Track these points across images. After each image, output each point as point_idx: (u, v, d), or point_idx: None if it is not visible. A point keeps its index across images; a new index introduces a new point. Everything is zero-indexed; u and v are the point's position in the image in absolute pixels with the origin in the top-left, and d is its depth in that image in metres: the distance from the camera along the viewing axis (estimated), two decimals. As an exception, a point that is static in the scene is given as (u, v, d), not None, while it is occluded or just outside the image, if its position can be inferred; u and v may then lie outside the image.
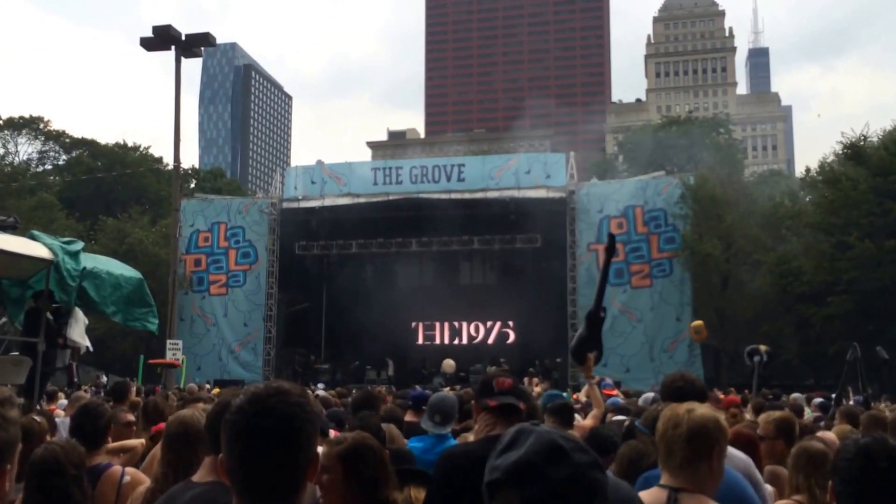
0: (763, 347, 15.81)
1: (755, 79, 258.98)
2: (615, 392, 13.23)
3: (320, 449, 3.80)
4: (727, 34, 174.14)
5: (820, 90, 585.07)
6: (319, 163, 43.97)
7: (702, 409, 3.60)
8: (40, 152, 71.05)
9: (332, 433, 5.65)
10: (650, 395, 9.58)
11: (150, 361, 32.51)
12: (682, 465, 3.50)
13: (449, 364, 36.81)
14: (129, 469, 5.07)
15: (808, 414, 14.17)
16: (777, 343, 36.43)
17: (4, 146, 68.12)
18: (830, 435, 7.74)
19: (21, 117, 68.94)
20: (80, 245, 12.48)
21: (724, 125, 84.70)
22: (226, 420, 2.32)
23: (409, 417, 8.00)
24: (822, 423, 10.75)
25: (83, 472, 4.62)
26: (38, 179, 60.94)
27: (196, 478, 3.55)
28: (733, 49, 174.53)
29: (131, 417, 7.24)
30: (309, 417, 2.35)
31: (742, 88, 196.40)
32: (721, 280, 38.23)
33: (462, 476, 4.01)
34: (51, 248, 11.57)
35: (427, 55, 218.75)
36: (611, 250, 10.80)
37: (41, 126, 69.71)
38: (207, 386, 27.26)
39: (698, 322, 17.12)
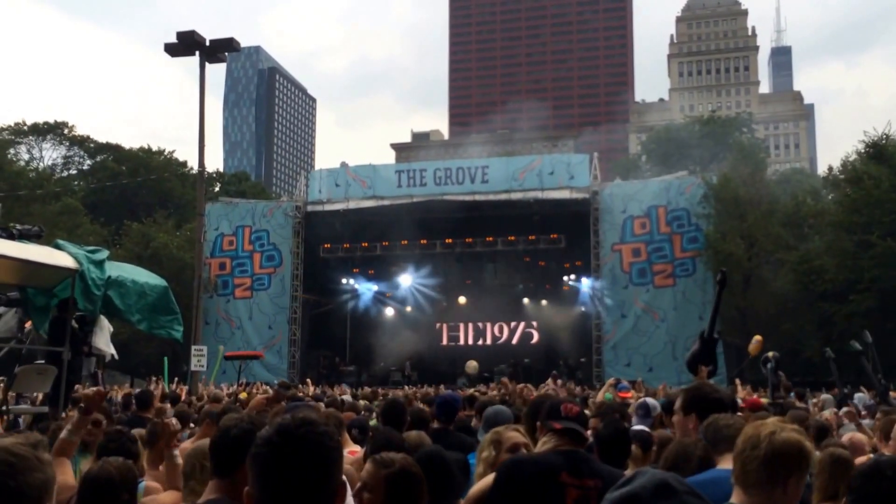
0: (771, 354, 15.89)
1: (778, 77, 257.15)
2: (630, 395, 13.17)
3: (368, 467, 3.86)
4: (750, 33, 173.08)
5: (844, 86, 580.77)
6: (343, 165, 44.18)
7: (786, 433, 3.41)
8: (65, 157, 71.65)
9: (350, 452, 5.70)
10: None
11: (228, 355, 32.80)
12: (755, 486, 3.36)
13: (472, 365, 36.93)
14: (147, 499, 5.13)
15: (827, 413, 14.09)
16: (799, 341, 36.29)
17: (29, 151, 68.80)
18: (848, 437, 7.73)
19: (45, 123, 69.48)
20: (105, 254, 12.55)
21: (746, 124, 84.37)
22: (255, 454, 2.37)
23: (434, 425, 7.82)
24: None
25: (135, 495, 4.68)
26: (62, 185, 61.26)
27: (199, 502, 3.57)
28: (756, 48, 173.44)
29: (177, 427, 7.30)
30: (336, 445, 2.40)
31: (765, 87, 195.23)
32: (743, 279, 38.07)
33: (526, 482, 4.27)
34: (75, 258, 11.63)
35: (451, 56, 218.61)
36: (723, 283, 11.35)
37: (65, 131, 70.21)
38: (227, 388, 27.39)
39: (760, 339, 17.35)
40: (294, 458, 2.30)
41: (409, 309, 44.41)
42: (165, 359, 29.12)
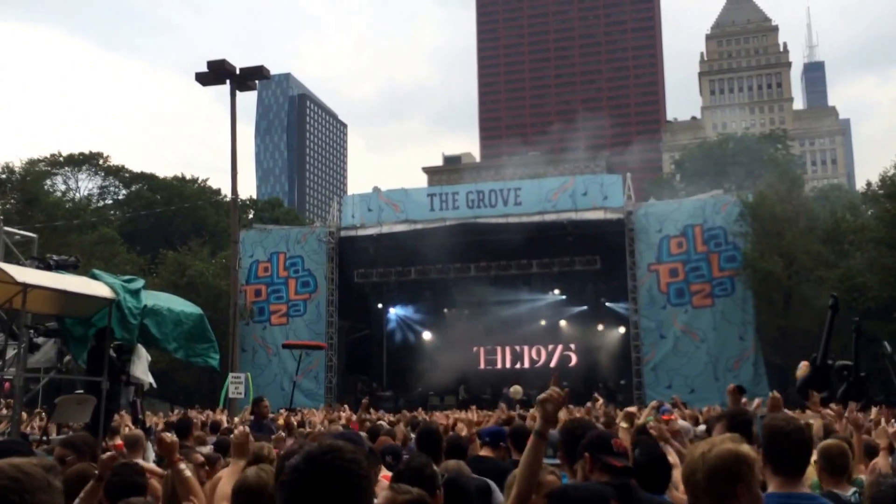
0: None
1: (811, 93, 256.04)
2: (674, 417, 12.90)
3: (385, 493, 3.83)
4: (781, 49, 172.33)
5: (879, 100, 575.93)
6: (376, 190, 44.15)
7: (719, 447, 3.42)
8: (100, 187, 72.06)
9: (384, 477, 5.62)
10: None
11: (285, 344, 32.75)
12: None
13: (516, 390, 36.58)
14: None
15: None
16: (844, 360, 35.70)
17: (66, 182, 69.24)
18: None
19: (81, 153, 69.95)
20: (140, 283, 12.59)
21: (781, 141, 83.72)
22: (282, 481, 2.33)
23: (484, 453, 7.72)
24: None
25: None
26: (98, 214, 61.69)
27: None
28: (788, 64, 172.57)
29: (201, 458, 7.18)
30: (365, 473, 2.35)
31: (798, 103, 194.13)
32: (784, 297, 37.50)
33: None
34: (112, 287, 11.67)
35: (480, 79, 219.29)
36: (835, 308, 11.23)
37: (101, 162, 70.66)
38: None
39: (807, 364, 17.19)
40: (320, 487, 2.26)
41: (445, 333, 44.27)
42: (226, 383, 28.74)
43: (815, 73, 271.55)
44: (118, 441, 12.57)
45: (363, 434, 9.51)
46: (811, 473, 6.69)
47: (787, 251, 37.35)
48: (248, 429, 6.19)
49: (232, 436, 6.60)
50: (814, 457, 6.77)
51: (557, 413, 4.41)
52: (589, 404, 24.20)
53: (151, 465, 8.13)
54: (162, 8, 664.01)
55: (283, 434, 11.19)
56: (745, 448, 3.44)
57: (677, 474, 5.69)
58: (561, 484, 4.95)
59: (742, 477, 3.33)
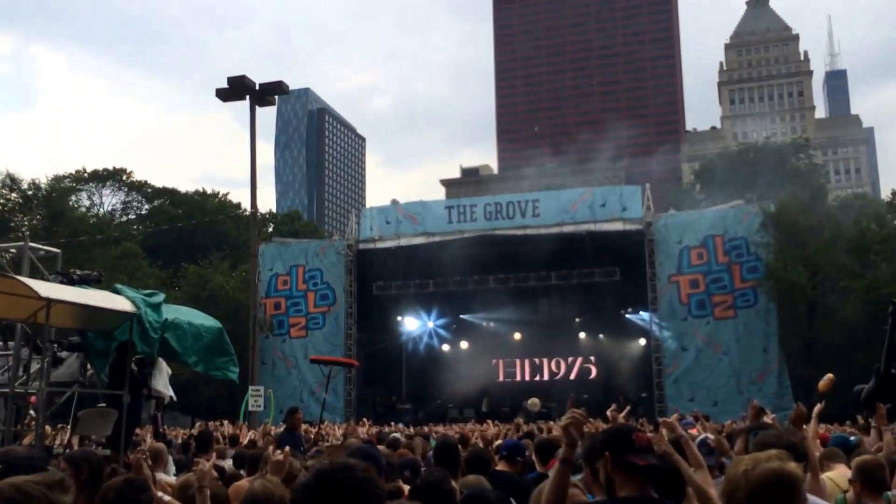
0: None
1: (834, 102, 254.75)
2: (696, 431, 12.80)
3: None
4: (802, 58, 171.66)
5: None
6: (394, 203, 44.17)
7: (763, 465, 3.28)
8: (124, 203, 72.98)
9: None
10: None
11: (312, 358, 32.64)
12: None
13: (534, 402, 36.55)
14: None
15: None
16: (871, 372, 35.15)
17: (90, 198, 70.17)
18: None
19: (105, 169, 71.14)
20: (161, 297, 12.67)
21: (803, 150, 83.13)
22: (291, 499, 2.33)
23: (500, 467, 7.64)
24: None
25: None
26: (122, 229, 62.21)
27: None
28: (810, 73, 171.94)
29: (214, 474, 7.17)
30: (377, 492, 2.32)
31: (820, 112, 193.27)
32: (808, 309, 37.06)
33: None
34: (133, 301, 11.75)
35: (497, 91, 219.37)
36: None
37: (124, 177, 71.71)
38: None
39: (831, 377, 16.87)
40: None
41: (464, 346, 44.19)
42: (247, 397, 28.76)
43: (837, 82, 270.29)
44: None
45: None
46: (833, 489, 6.61)
47: (810, 261, 36.81)
48: (287, 449, 6.22)
49: (270, 452, 6.60)
50: (847, 472, 6.68)
51: (581, 435, 4.18)
52: (610, 413, 23.99)
53: (170, 479, 8.16)
54: (182, 25, 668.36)
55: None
56: (791, 466, 3.31)
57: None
58: (585, 500, 4.80)
59: (786, 497, 3.21)
